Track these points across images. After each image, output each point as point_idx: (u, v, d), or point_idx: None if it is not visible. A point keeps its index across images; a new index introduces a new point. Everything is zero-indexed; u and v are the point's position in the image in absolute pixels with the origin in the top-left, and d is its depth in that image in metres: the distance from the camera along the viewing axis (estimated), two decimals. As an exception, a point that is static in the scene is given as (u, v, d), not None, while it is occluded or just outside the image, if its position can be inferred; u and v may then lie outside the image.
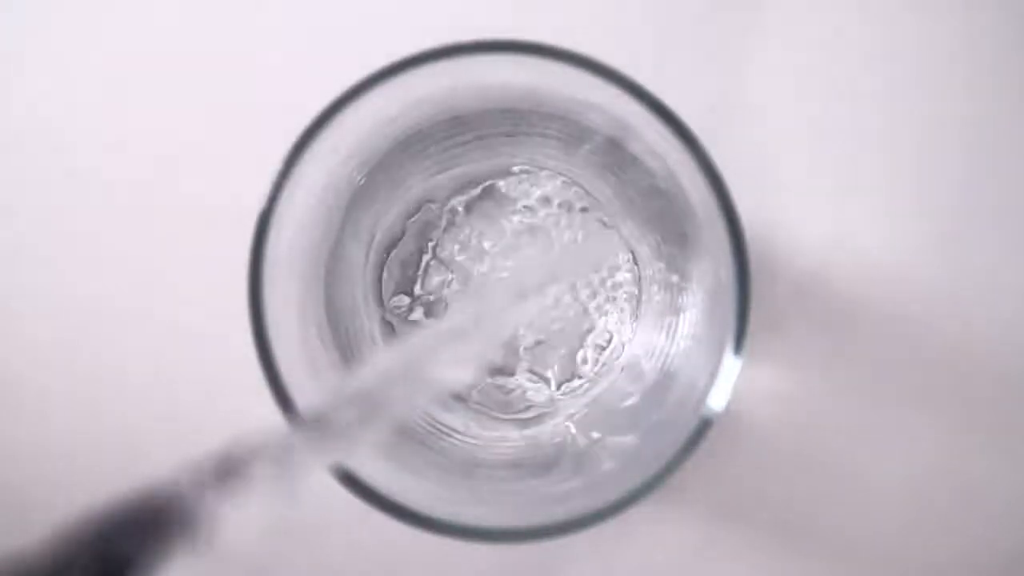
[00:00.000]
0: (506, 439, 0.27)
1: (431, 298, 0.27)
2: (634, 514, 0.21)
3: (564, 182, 0.27)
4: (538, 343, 0.28)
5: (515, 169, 0.27)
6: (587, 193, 0.27)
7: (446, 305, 0.27)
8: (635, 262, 0.27)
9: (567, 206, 0.27)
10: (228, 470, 0.14)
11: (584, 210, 0.27)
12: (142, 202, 0.29)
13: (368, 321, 0.27)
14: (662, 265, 0.27)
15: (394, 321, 0.27)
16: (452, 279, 0.27)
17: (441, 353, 0.19)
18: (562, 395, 0.28)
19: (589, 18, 0.29)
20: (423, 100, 0.24)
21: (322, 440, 0.16)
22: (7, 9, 0.30)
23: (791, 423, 0.29)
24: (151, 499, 0.13)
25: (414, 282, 0.27)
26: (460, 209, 0.27)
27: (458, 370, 0.19)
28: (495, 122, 0.26)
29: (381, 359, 0.20)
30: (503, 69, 0.22)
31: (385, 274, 0.27)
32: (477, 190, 0.27)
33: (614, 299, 0.27)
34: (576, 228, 0.27)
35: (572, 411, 0.27)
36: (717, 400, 0.21)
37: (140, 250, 0.29)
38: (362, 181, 0.26)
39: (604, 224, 0.27)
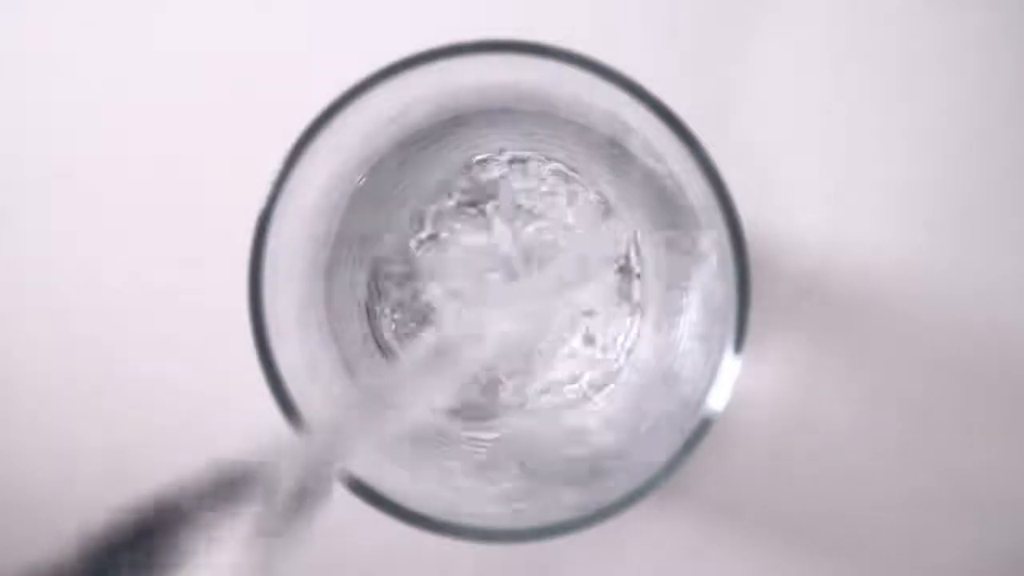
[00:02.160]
0: (505, 439, 0.27)
1: (430, 296, 0.27)
2: (634, 514, 0.21)
3: (567, 180, 0.27)
4: (539, 346, 0.28)
5: (516, 168, 0.27)
6: (590, 191, 0.27)
7: (443, 305, 0.27)
8: (637, 262, 0.27)
9: (571, 202, 0.27)
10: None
11: (588, 205, 0.27)
12: (142, 202, 0.29)
13: (366, 320, 0.27)
14: (663, 265, 0.27)
15: (392, 320, 0.27)
16: (452, 277, 0.27)
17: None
18: (563, 396, 0.28)
19: (589, 18, 0.29)
20: (423, 100, 0.24)
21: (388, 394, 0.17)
22: (7, 9, 0.30)
23: (791, 423, 0.29)
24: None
25: (413, 281, 0.27)
26: (460, 207, 0.27)
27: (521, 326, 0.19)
28: (495, 122, 0.26)
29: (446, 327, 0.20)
30: (503, 69, 0.22)
31: (384, 273, 0.27)
32: (477, 188, 0.27)
33: (615, 300, 0.27)
34: (582, 223, 0.27)
35: (573, 412, 0.27)
36: (717, 400, 0.21)
37: (140, 250, 0.29)
38: (362, 181, 0.26)
39: (608, 220, 0.27)
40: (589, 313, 0.27)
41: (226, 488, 0.14)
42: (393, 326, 0.27)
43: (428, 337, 0.21)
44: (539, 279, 0.24)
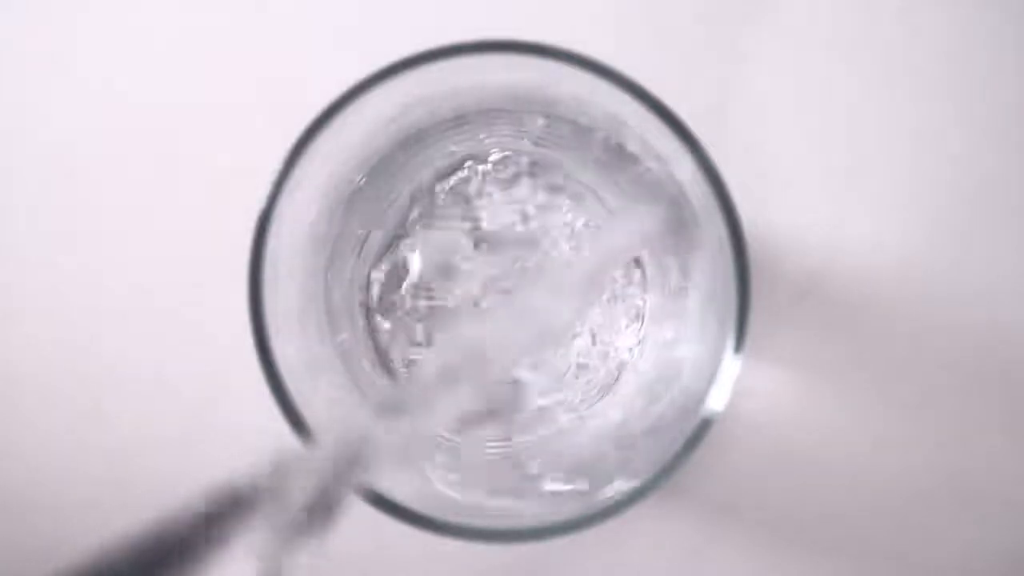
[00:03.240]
0: (506, 445, 0.27)
1: (421, 298, 0.27)
2: (634, 514, 0.21)
3: (565, 178, 0.27)
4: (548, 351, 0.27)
5: (514, 168, 0.27)
6: (591, 190, 0.27)
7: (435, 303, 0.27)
8: (638, 263, 0.27)
9: (571, 202, 0.27)
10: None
11: (589, 205, 0.27)
12: (142, 202, 0.29)
13: (365, 321, 0.27)
14: (663, 265, 0.27)
15: (391, 321, 0.27)
16: (446, 278, 0.27)
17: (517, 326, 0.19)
18: (564, 397, 0.28)
19: (589, 18, 0.29)
20: (423, 100, 0.24)
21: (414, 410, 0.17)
22: (7, 9, 0.30)
23: (791, 423, 0.29)
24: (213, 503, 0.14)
25: (412, 282, 0.27)
26: (460, 207, 0.27)
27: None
28: (495, 122, 0.26)
29: (460, 334, 0.20)
30: (503, 69, 0.22)
31: (383, 273, 0.27)
32: (478, 189, 0.27)
33: (616, 300, 0.27)
34: (581, 224, 0.27)
35: (574, 413, 0.27)
36: (717, 400, 0.21)
37: (140, 250, 0.29)
38: (362, 181, 0.26)
39: (609, 220, 0.27)
40: (591, 315, 0.27)
41: (238, 503, 0.14)
42: (391, 326, 0.27)
43: (439, 352, 0.21)
44: (538, 286, 0.24)
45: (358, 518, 0.21)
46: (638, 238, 0.25)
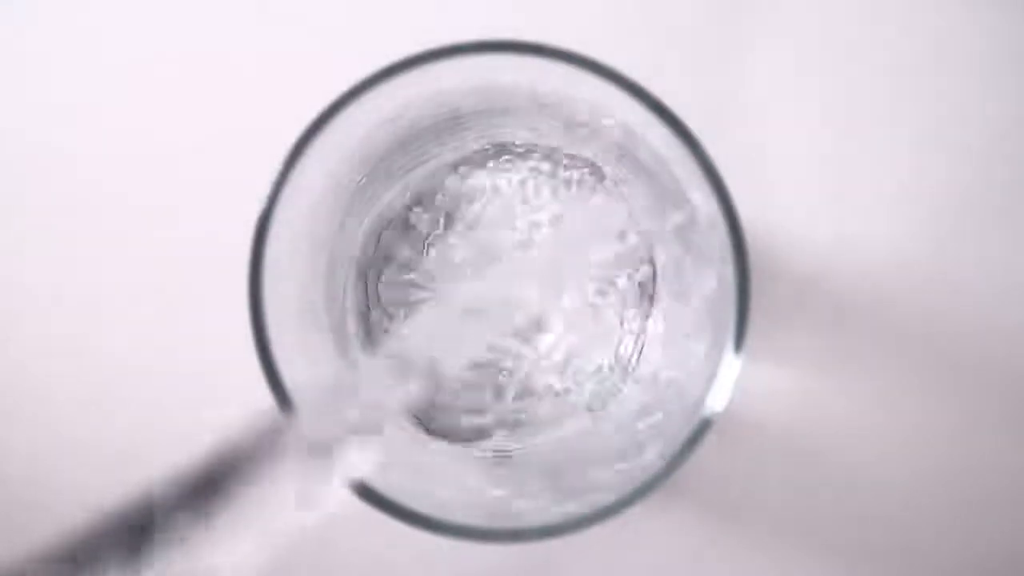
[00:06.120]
0: (507, 448, 0.27)
1: (419, 296, 0.27)
2: (634, 514, 0.21)
3: (568, 168, 0.27)
4: (539, 348, 0.28)
5: (515, 164, 0.27)
6: (597, 176, 0.27)
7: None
8: (639, 264, 0.27)
9: (568, 186, 0.27)
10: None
11: (589, 187, 0.27)
12: (142, 203, 0.29)
13: (365, 321, 0.27)
14: (663, 265, 0.27)
15: (390, 321, 0.27)
16: (444, 275, 0.27)
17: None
18: (566, 396, 0.28)
19: (589, 18, 0.29)
20: (423, 100, 0.24)
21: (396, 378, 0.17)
22: (7, 9, 0.30)
23: (791, 423, 0.29)
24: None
25: (411, 281, 0.27)
26: (459, 206, 0.27)
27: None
28: (495, 121, 0.26)
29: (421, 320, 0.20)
30: (503, 69, 0.22)
31: (383, 274, 0.27)
32: (476, 187, 0.27)
33: (616, 301, 0.27)
34: (581, 204, 0.27)
35: (575, 413, 0.27)
36: (717, 400, 0.21)
37: (140, 250, 0.29)
38: (362, 181, 0.26)
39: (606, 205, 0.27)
40: (591, 316, 0.27)
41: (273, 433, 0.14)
42: (390, 327, 0.27)
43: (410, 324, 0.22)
44: (532, 260, 0.24)
45: (358, 518, 0.21)
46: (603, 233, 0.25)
